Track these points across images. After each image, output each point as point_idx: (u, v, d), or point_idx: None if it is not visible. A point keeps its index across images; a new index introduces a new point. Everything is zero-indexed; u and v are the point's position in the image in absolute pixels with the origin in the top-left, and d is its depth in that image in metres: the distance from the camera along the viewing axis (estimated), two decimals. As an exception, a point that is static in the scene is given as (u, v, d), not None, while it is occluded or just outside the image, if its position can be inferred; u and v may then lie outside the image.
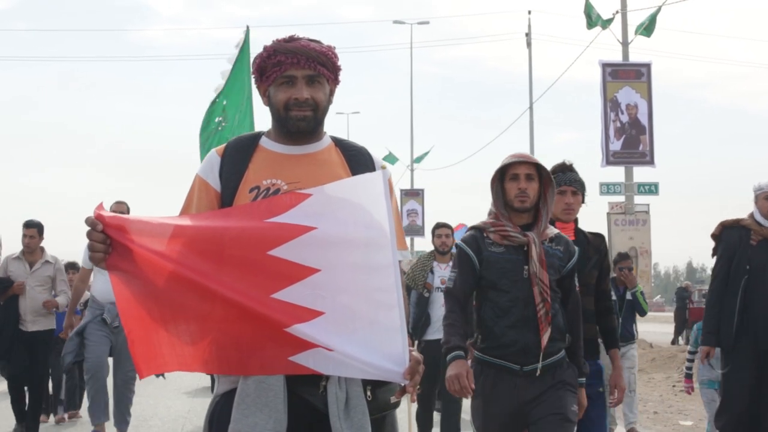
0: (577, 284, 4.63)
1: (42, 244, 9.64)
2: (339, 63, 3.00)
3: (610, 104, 21.37)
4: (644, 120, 21.53)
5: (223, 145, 3.05)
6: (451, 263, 8.67)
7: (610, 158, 21.42)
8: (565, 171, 5.31)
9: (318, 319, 2.68)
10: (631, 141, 21.50)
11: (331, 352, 2.68)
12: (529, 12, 29.67)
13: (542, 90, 46.84)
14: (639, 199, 21.89)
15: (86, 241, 6.67)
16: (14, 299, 9.38)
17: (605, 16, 21.63)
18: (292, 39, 2.98)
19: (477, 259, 4.52)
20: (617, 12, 21.88)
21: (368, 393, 2.90)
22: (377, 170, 2.98)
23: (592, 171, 24.25)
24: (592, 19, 21.48)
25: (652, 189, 21.91)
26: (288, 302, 2.67)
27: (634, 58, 22.31)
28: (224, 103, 9.45)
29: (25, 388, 9.60)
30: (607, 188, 21.78)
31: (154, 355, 2.79)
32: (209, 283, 2.68)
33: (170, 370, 2.87)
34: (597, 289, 5.27)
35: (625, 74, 21.61)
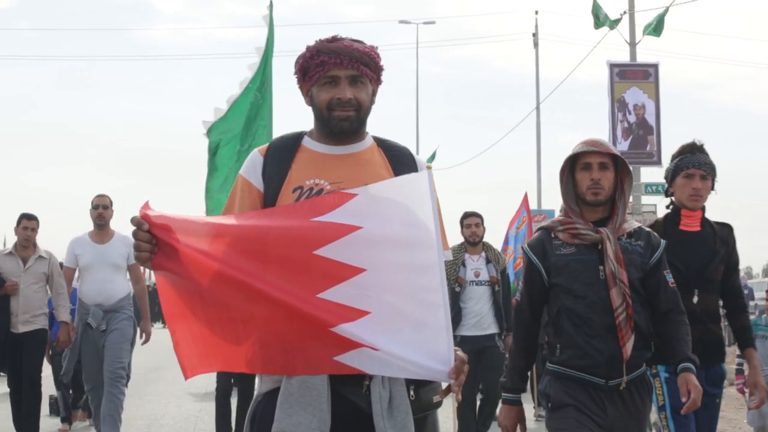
0: (670, 279, 4.12)
1: (40, 228, 9.02)
2: (381, 63, 3.01)
3: (618, 104, 21.35)
4: (651, 120, 21.51)
5: (266, 145, 3.06)
6: (483, 254, 8.42)
7: (618, 158, 21.37)
8: (695, 152, 4.78)
9: (364, 318, 2.68)
10: (638, 141, 21.48)
11: (377, 352, 2.68)
12: (536, 12, 29.72)
13: (549, 90, 46.84)
14: (646, 200, 21.89)
15: (69, 239, 6.65)
16: (5, 299, 8.66)
17: (613, 17, 21.61)
18: (335, 39, 2.98)
19: (543, 267, 4.09)
20: (625, 12, 21.85)
21: (411, 392, 2.90)
22: (421, 170, 2.99)
23: (599, 171, 24.15)
24: (599, 19, 21.45)
25: (659, 189, 21.84)
26: (334, 302, 2.68)
27: (640, 58, 22.30)
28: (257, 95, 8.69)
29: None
30: (614, 188, 21.74)
31: (198, 356, 2.81)
32: (255, 283, 2.68)
33: (214, 371, 2.88)
34: (725, 286, 4.78)
35: (633, 74, 21.59)
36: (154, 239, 2.69)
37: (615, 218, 4.08)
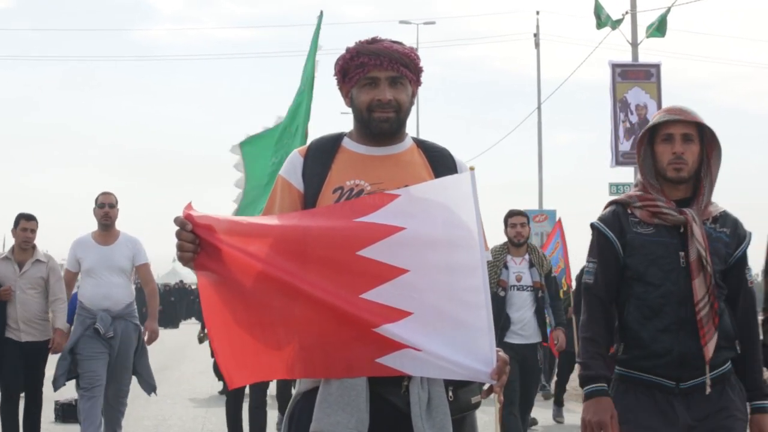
0: (750, 278, 3.65)
1: (39, 229, 8.34)
2: (421, 64, 3.01)
3: (620, 105, 21.35)
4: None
5: (305, 145, 3.07)
6: (527, 256, 7.85)
7: (620, 159, 21.40)
8: None
9: (406, 319, 2.69)
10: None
11: (420, 353, 2.69)
12: (538, 12, 29.71)
13: (550, 91, 46.92)
14: (648, 200, 21.87)
15: (70, 240, 6.54)
16: (1, 306, 8.05)
17: (615, 17, 21.62)
18: (374, 41, 2.99)
19: (620, 243, 3.57)
20: (627, 12, 21.86)
21: (450, 393, 2.90)
22: (462, 171, 3.00)
23: (601, 171, 24.24)
24: (601, 19, 21.46)
25: (661, 189, 21.91)
26: (377, 302, 2.69)
27: (642, 58, 22.31)
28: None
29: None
30: (616, 188, 21.77)
31: (240, 365, 2.81)
32: (297, 283, 2.69)
33: (257, 380, 2.89)
34: None
35: (635, 75, 21.58)
36: (197, 239, 2.70)
37: (700, 198, 3.61)
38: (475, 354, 2.73)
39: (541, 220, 25.91)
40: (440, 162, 3.04)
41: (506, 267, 7.73)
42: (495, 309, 7.32)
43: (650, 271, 3.52)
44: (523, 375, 7.65)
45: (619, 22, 21.62)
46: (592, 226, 3.69)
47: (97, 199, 8.08)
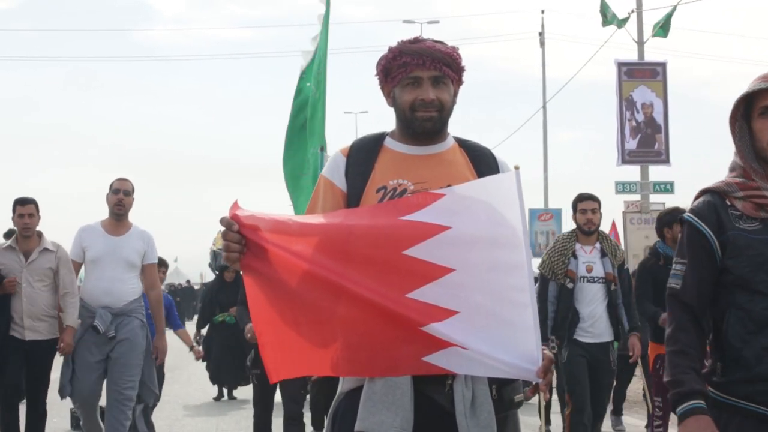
0: None
1: (39, 228, 7.50)
2: (463, 64, 3.02)
3: (626, 103, 21.35)
4: (660, 119, 21.51)
5: (348, 145, 3.07)
6: (598, 245, 7.02)
7: (626, 157, 21.41)
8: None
9: (453, 318, 2.70)
10: (646, 140, 21.49)
11: (466, 351, 2.70)
12: (542, 11, 29.65)
13: (555, 90, 46.91)
14: (655, 198, 21.89)
15: (68, 240, 6.36)
16: (6, 299, 7.30)
17: (620, 15, 21.64)
18: (417, 40, 3.00)
19: (718, 242, 2.95)
20: (633, 11, 21.88)
21: (494, 392, 2.91)
22: (504, 171, 3.01)
23: (608, 170, 24.27)
24: (607, 18, 21.48)
25: (667, 188, 21.91)
26: (423, 301, 2.70)
27: (648, 57, 22.32)
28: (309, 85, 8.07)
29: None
30: (622, 187, 21.78)
31: (284, 360, 2.82)
32: (343, 282, 2.70)
33: (301, 375, 2.90)
34: None
35: (641, 73, 21.59)
36: (244, 240, 2.71)
37: None
38: (520, 352, 2.74)
39: (546, 219, 25.91)
40: (482, 161, 3.05)
41: (575, 256, 6.94)
42: (563, 303, 6.81)
43: (758, 277, 2.89)
44: (594, 378, 6.90)
45: (624, 20, 21.64)
46: (682, 220, 3.08)
47: (111, 185, 7.31)
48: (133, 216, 7.49)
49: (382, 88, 3.06)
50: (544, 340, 6.36)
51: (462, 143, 3.10)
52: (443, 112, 2.98)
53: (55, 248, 7.40)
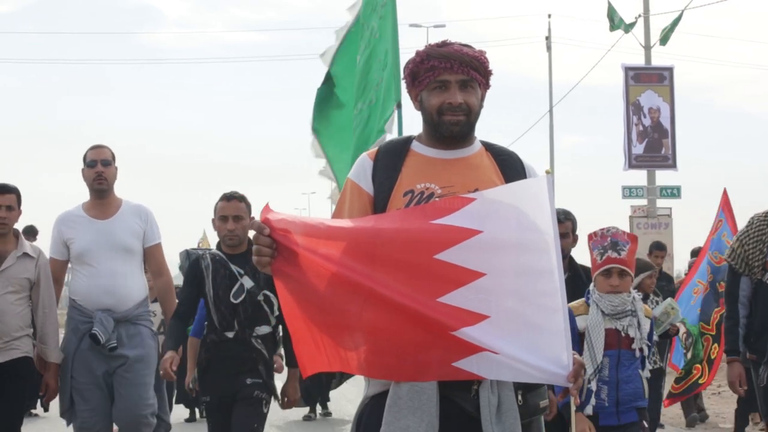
0: None
1: (16, 226, 5.78)
2: (490, 67, 3.01)
3: (633, 108, 21.33)
4: (667, 124, 21.50)
5: (374, 149, 3.07)
6: None
7: (633, 162, 21.39)
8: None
9: (483, 322, 2.70)
10: (653, 144, 21.47)
11: (497, 356, 2.69)
12: (549, 15, 29.62)
13: (562, 94, 46.74)
14: (661, 203, 21.87)
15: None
16: None
17: (627, 20, 21.61)
18: (445, 44, 2.99)
19: None
20: (640, 15, 21.87)
21: (519, 397, 2.90)
22: (531, 174, 3.01)
23: (614, 174, 24.21)
24: (614, 22, 21.44)
25: (674, 192, 21.87)
26: (454, 306, 2.69)
27: (655, 61, 22.31)
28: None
29: None
30: (629, 191, 21.75)
31: (318, 354, 2.82)
32: (374, 286, 2.70)
33: (333, 370, 2.90)
34: None
35: (648, 78, 21.58)
36: (275, 244, 2.71)
37: None
38: (551, 357, 2.73)
39: (553, 223, 25.88)
40: (509, 165, 3.04)
41: None
42: (761, 305, 5.12)
43: None
44: None
45: (632, 25, 21.61)
46: None
47: (85, 157, 5.74)
48: None
49: (410, 92, 3.05)
50: (734, 352, 5.27)
51: (489, 147, 3.09)
52: (471, 116, 2.97)
53: (36, 254, 5.71)
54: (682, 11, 20.91)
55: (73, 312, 5.64)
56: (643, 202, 21.85)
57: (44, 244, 6.44)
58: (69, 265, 5.89)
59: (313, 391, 9.66)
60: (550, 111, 28.75)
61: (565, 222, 5.51)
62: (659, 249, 10.77)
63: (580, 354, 4.08)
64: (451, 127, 2.96)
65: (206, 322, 5.36)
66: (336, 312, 2.74)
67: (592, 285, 4.71)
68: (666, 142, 21.51)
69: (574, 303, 4.59)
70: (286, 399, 5.44)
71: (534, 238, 2.75)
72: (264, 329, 5.27)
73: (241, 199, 5.36)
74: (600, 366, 4.55)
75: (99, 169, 5.69)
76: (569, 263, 5.49)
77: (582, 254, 5.28)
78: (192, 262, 5.49)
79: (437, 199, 2.88)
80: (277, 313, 5.22)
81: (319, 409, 10.63)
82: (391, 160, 3.00)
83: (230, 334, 5.19)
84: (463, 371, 2.71)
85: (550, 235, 2.74)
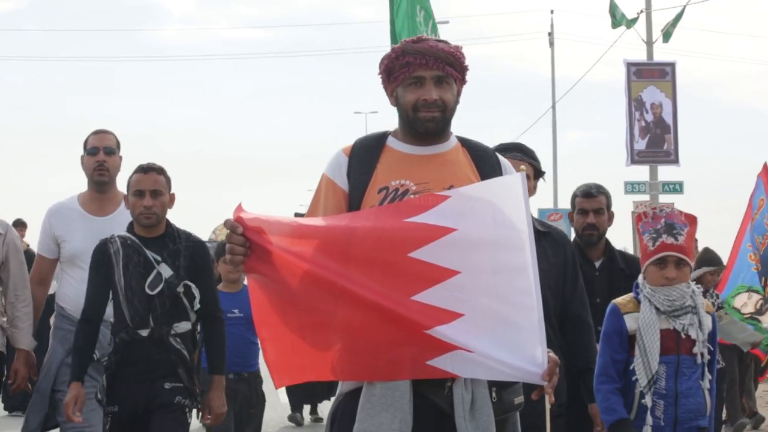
0: None
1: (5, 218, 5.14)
2: (466, 63, 2.99)
3: (635, 103, 21.29)
4: (669, 119, 21.46)
5: (350, 144, 3.05)
6: None
7: (635, 157, 21.35)
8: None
9: (458, 320, 2.68)
10: (655, 140, 21.43)
11: (471, 354, 2.68)
12: (552, 11, 29.63)
13: (564, 90, 46.87)
14: (664, 198, 21.83)
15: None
16: None
17: (629, 16, 21.59)
18: (420, 40, 2.97)
19: None
20: (642, 11, 21.84)
21: (493, 394, 2.89)
22: (506, 171, 3.00)
23: (617, 170, 24.16)
24: (616, 18, 21.44)
25: (676, 188, 21.85)
26: (428, 304, 2.68)
27: (656, 57, 22.28)
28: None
29: None
30: (631, 187, 21.73)
31: (289, 365, 2.81)
32: (347, 285, 2.69)
33: (304, 381, 2.89)
34: None
35: (650, 73, 21.53)
36: (248, 242, 2.70)
37: None
38: (526, 355, 2.71)
39: (556, 219, 25.86)
40: (485, 161, 3.02)
41: None
42: None
43: None
44: None
45: (634, 20, 21.61)
46: None
47: (86, 143, 5.03)
48: None
49: (385, 88, 3.03)
50: None
51: (465, 143, 3.07)
52: (446, 112, 2.95)
53: (4, 230, 4.99)
54: (684, 7, 20.90)
55: (60, 321, 4.89)
56: (646, 197, 21.82)
57: (34, 239, 6.05)
58: (58, 267, 5.11)
59: (319, 391, 9.33)
60: (553, 107, 28.75)
61: (598, 196, 4.89)
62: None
63: (631, 360, 3.78)
64: (426, 124, 2.94)
65: (114, 319, 4.38)
66: (310, 310, 2.73)
67: (641, 277, 3.89)
68: (668, 137, 21.46)
69: (620, 299, 3.93)
70: (209, 413, 4.45)
71: (509, 235, 2.73)
72: (184, 326, 4.37)
73: (160, 171, 4.49)
74: (655, 376, 3.75)
75: (101, 158, 4.96)
76: (605, 247, 4.84)
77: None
78: (98, 247, 4.44)
79: (412, 196, 2.87)
80: (198, 307, 4.41)
81: (308, 419, 9.83)
82: (366, 156, 2.98)
83: (144, 332, 4.28)
84: (437, 369, 2.70)
85: (526, 232, 2.72)
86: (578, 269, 4.31)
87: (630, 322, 3.81)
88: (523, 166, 2.82)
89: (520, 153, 4.23)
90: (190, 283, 4.37)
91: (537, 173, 4.30)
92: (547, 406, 2.71)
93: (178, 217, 4.61)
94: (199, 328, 4.52)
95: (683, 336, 3.76)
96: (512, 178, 2.82)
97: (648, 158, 21.58)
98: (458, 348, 2.67)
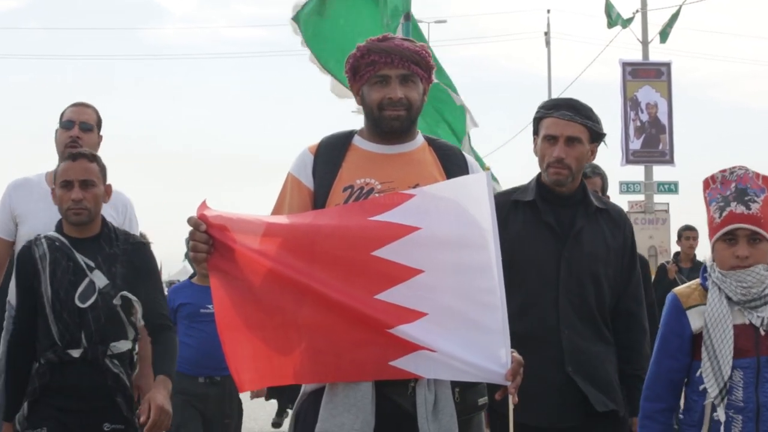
0: None
1: None
2: (432, 62, 2.98)
3: (630, 103, 21.28)
4: (664, 119, 21.45)
5: (316, 143, 3.04)
6: None
7: (630, 157, 21.34)
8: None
9: (421, 320, 2.67)
10: (650, 140, 21.43)
11: (435, 354, 2.67)
12: (548, 11, 29.64)
13: (561, 89, 46.91)
14: (659, 198, 21.84)
15: None
16: None
17: (625, 15, 21.58)
18: (385, 38, 2.96)
19: None
20: (637, 11, 21.84)
21: (456, 395, 2.88)
22: (473, 170, 2.99)
23: (612, 170, 24.11)
24: (612, 18, 21.42)
25: (671, 188, 21.85)
26: (391, 303, 2.67)
27: (651, 57, 22.29)
28: None
29: None
30: (626, 187, 21.72)
31: (251, 369, 2.78)
32: (311, 284, 2.67)
33: (267, 385, 2.86)
34: None
35: (645, 73, 21.53)
36: (211, 240, 2.69)
37: None
38: (489, 355, 2.70)
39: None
40: (451, 160, 3.01)
41: None
42: None
43: None
44: None
45: (629, 20, 21.59)
46: None
47: (62, 115, 4.43)
48: (144, 215, 5.03)
49: (351, 87, 3.02)
50: None
51: (431, 142, 3.06)
52: (411, 110, 2.94)
53: None
54: (680, 6, 20.88)
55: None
56: (641, 197, 21.82)
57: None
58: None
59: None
60: (549, 106, 28.71)
61: (593, 177, 4.60)
62: (690, 230, 9.31)
63: (698, 366, 3.04)
64: (391, 122, 2.93)
65: (39, 336, 3.66)
66: (273, 309, 2.71)
67: (709, 258, 3.16)
68: (663, 137, 21.46)
69: (683, 288, 3.17)
70: (149, 411, 3.53)
71: (473, 234, 2.72)
72: (122, 345, 3.68)
73: (92, 158, 3.78)
74: (729, 384, 2.97)
75: (75, 133, 4.31)
76: None
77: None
78: (21, 251, 3.78)
79: (377, 194, 2.86)
80: (142, 323, 3.74)
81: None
82: (332, 154, 2.97)
83: (76, 353, 3.59)
84: (401, 370, 2.68)
85: (490, 231, 2.71)
86: (636, 255, 3.66)
87: (695, 318, 3.05)
88: (488, 166, 2.80)
89: (571, 111, 3.47)
90: (128, 295, 3.68)
91: (594, 136, 3.53)
92: (511, 407, 2.70)
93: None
94: (136, 347, 3.84)
95: (763, 333, 2.98)
96: (476, 177, 2.81)
97: (643, 158, 21.57)
98: (421, 348, 2.65)
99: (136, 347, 3.83)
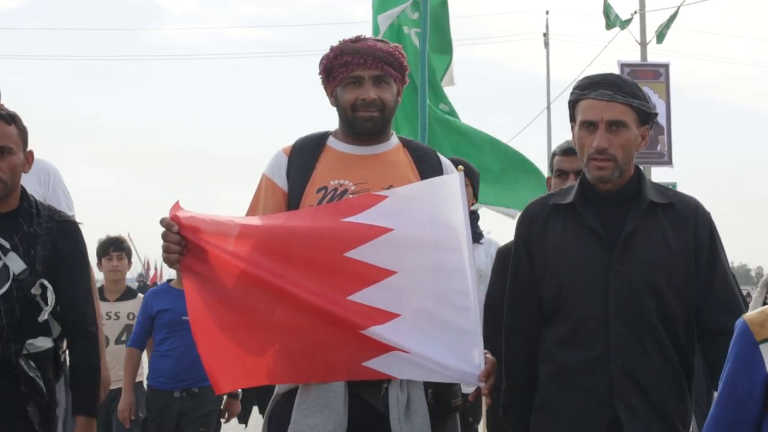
0: None
1: None
2: (406, 63, 2.98)
3: (629, 104, 21.30)
4: (662, 120, 21.44)
5: (290, 144, 3.03)
6: None
7: (629, 158, 21.34)
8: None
9: (394, 321, 2.67)
10: (649, 141, 21.42)
11: (408, 355, 2.66)
12: (547, 12, 29.65)
13: (559, 90, 46.87)
14: (657, 200, 21.84)
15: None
16: None
17: (624, 17, 21.57)
18: (358, 39, 2.96)
19: None
20: (636, 12, 21.83)
21: (429, 396, 2.88)
22: (448, 172, 2.98)
23: (610, 171, 24.10)
24: (610, 19, 21.41)
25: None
26: (364, 304, 2.67)
27: (650, 58, 22.27)
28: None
29: None
30: (625, 189, 21.72)
31: (225, 371, 2.78)
32: (283, 285, 2.68)
33: (241, 387, 2.86)
34: None
35: (644, 74, 21.51)
36: (184, 241, 2.69)
37: None
38: (463, 356, 2.70)
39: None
40: (425, 161, 3.00)
41: None
42: None
43: None
44: None
45: (628, 21, 21.58)
46: None
47: None
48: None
49: (325, 88, 3.01)
50: None
51: (406, 143, 3.05)
52: (385, 111, 2.93)
53: None
54: (678, 8, 20.86)
55: None
56: (639, 198, 21.79)
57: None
58: None
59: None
60: (548, 108, 28.72)
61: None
62: None
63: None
64: (364, 123, 2.92)
65: None
66: (247, 310, 2.71)
67: None
68: (662, 138, 21.47)
69: (755, 314, 2.26)
70: None
71: (446, 235, 2.72)
72: (42, 343, 3.13)
73: (10, 119, 3.16)
74: None
75: None
76: None
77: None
78: None
79: (351, 195, 2.85)
80: (48, 318, 3.13)
81: None
82: (306, 155, 2.96)
83: None
84: (373, 371, 2.68)
85: (463, 232, 2.72)
86: (719, 253, 2.91)
87: None
88: (461, 166, 2.77)
89: (611, 89, 2.85)
90: (46, 283, 3.12)
91: (643, 117, 2.92)
92: (484, 408, 2.69)
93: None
94: (63, 345, 3.29)
95: None
96: (450, 178, 2.81)
97: (641, 159, 21.52)
98: (394, 349, 2.65)
99: (63, 345, 3.28)
